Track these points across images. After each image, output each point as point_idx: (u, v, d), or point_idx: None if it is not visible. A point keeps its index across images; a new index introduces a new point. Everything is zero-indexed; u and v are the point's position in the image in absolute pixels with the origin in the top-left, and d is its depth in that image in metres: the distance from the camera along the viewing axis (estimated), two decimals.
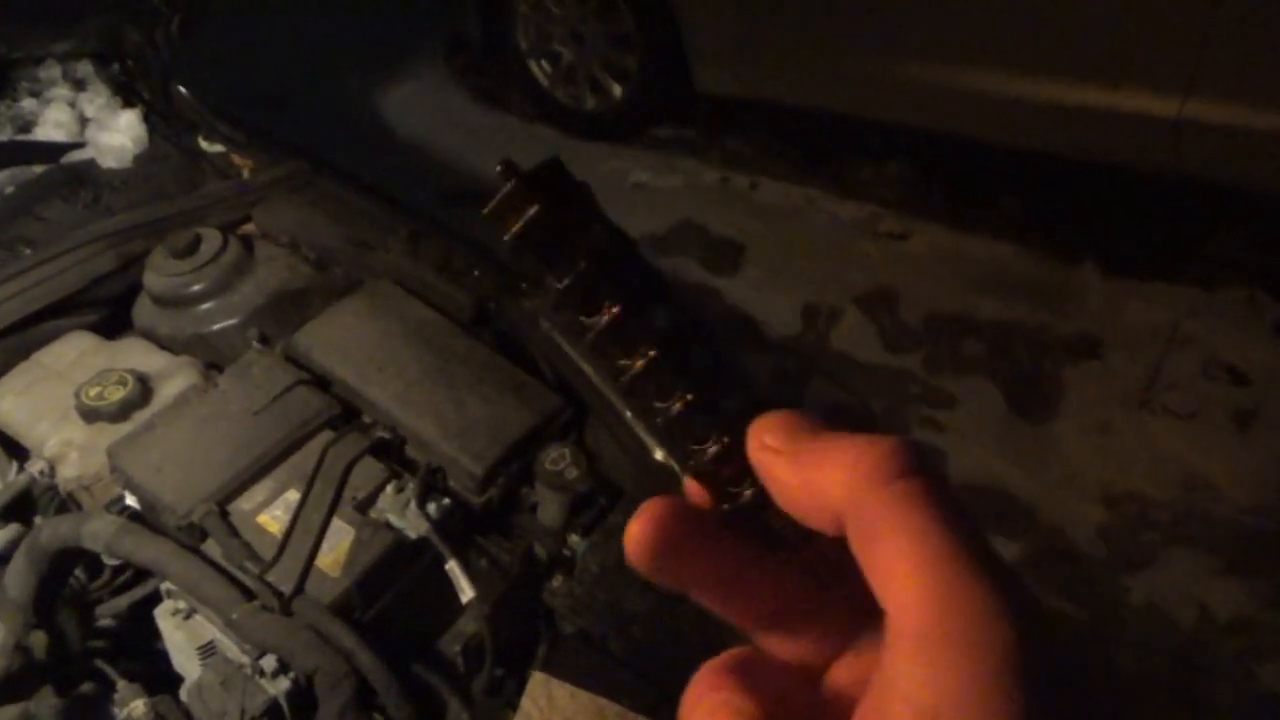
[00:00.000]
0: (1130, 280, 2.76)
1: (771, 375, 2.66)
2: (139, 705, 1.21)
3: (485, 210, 0.30)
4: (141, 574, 1.30)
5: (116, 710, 1.21)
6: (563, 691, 1.03)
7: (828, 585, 0.31)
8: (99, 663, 1.29)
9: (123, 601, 1.31)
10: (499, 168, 0.30)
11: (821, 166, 3.24)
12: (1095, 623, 2.03)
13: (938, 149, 3.06)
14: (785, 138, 3.33)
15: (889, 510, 0.27)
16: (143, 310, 1.43)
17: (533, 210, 0.29)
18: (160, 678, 1.27)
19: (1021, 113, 2.62)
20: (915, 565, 0.26)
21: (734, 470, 0.31)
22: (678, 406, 0.30)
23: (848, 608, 0.31)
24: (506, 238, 0.29)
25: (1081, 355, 2.63)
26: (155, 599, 1.28)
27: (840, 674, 0.32)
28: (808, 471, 0.28)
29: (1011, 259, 2.91)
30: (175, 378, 1.32)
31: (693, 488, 0.32)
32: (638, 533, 0.30)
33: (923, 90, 2.76)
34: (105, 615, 1.31)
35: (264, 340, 1.39)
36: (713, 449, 0.30)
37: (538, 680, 1.04)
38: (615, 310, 0.29)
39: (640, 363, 0.30)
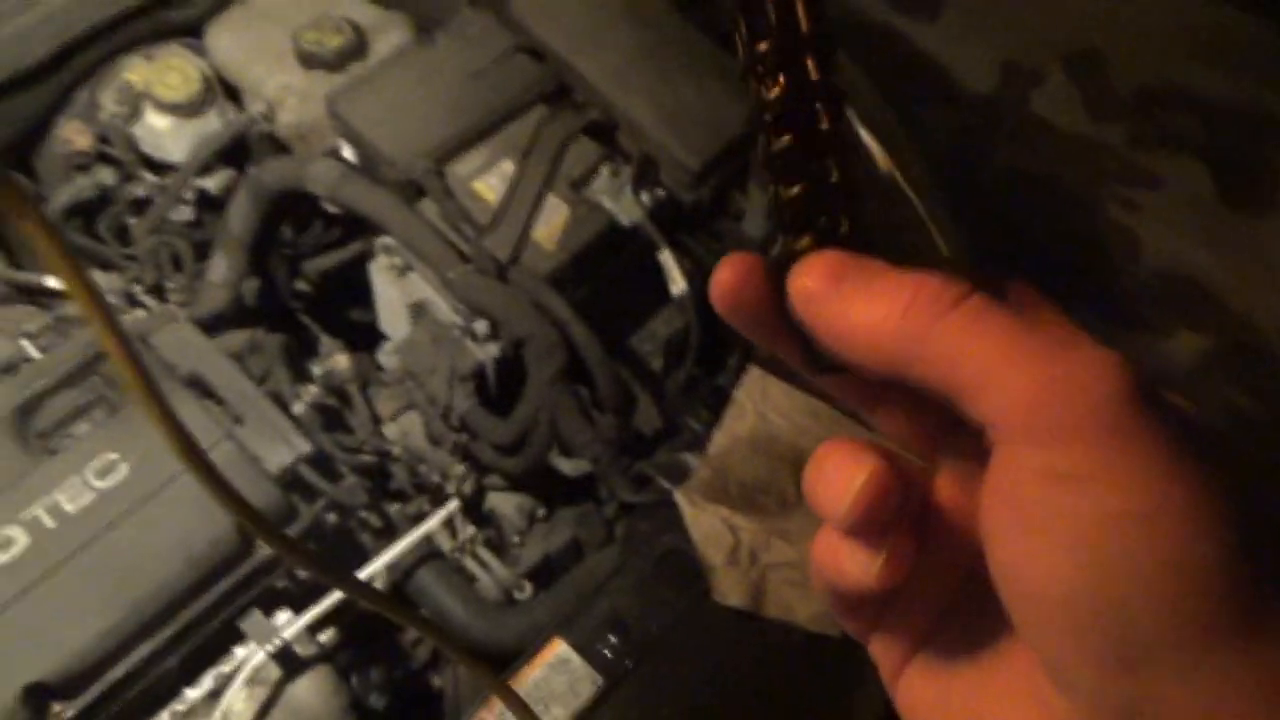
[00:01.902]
0: None
1: (956, 132, 2.49)
2: (342, 359, 1.25)
3: None
4: (349, 234, 1.31)
5: (316, 367, 1.26)
6: (778, 388, 1.01)
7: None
8: (304, 317, 1.34)
9: (328, 260, 1.33)
10: None
11: None
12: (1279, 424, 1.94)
13: None
14: None
15: (964, 329, 0.26)
16: None
17: None
18: (353, 345, 1.31)
19: None
20: (1010, 365, 0.25)
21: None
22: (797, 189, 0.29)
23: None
24: None
25: None
26: (357, 264, 1.30)
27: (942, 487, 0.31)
28: (856, 314, 0.27)
29: (1247, 30, 2.59)
30: (388, 33, 1.27)
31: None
32: (722, 280, 0.30)
33: None
34: (311, 271, 1.34)
35: (475, 3, 1.32)
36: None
37: (754, 375, 1.02)
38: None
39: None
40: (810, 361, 0.30)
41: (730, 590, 0.89)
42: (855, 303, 0.27)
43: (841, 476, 0.28)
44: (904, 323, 0.26)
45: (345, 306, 1.38)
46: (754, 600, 0.89)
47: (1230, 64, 2.72)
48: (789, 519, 0.91)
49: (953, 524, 0.30)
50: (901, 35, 2.93)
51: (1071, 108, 2.78)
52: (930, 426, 0.31)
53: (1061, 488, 0.24)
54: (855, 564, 0.28)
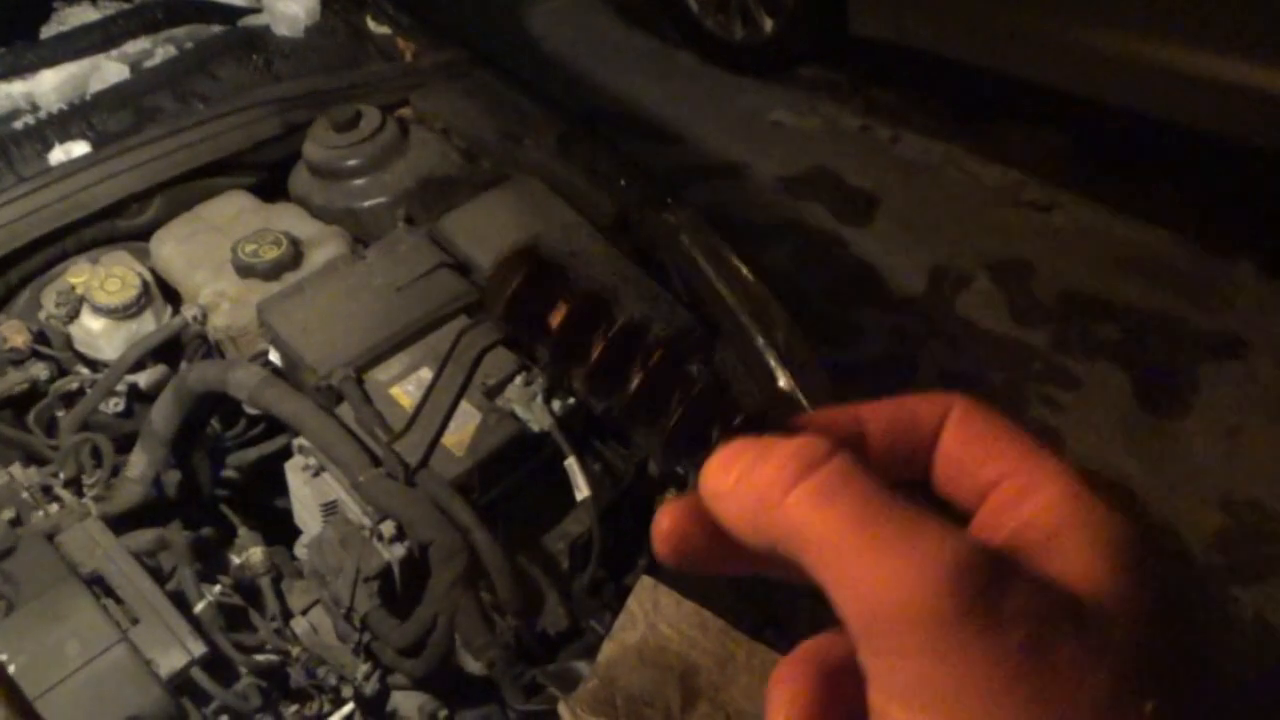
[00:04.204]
0: None
1: (890, 333, 2.61)
2: (257, 552, 1.27)
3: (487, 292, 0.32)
4: (272, 431, 1.35)
5: (234, 556, 1.27)
6: (669, 599, 1.03)
7: None
8: (223, 508, 1.36)
9: (251, 454, 1.37)
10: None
11: (969, 126, 3.12)
12: (1201, 628, 1.96)
13: (1094, 120, 2.91)
14: (934, 91, 3.21)
15: (811, 505, 0.25)
16: (299, 178, 1.46)
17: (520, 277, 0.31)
18: (274, 533, 1.33)
19: (1195, 89, 2.46)
20: (852, 558, 0.24)
21: None
22: (679, 412, 0.31)
23: None
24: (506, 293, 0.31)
25: (1222, 355, 2.50)
26: (281, 457, 1.33)
27: None
28: (740, 504, 0.27)
29: (1159, 244, 2.77)
30: (325, 245, 1.35)
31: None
32: (663, 528, 0.30)
33: (1088, 55, 2.61)
34: (233, 465, 1.37)
35: (410, 221, 1.41)
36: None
37: (646, 584, 1.05)
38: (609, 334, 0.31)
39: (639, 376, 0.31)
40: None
41: None
42: (738, 483, 0.27)
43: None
44: (762, 494, 0.26)
45: (270, 496, 1.40)
46: None
47: (1149, 276, 2.88)
48: None
49: None
50: (840, 240, 3.09)
51: (997, 311, 2.91)
52: None
53: (896, 709, 0.24)
54: None
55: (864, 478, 0.26)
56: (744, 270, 1.38)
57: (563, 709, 0.94)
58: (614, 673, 0.98)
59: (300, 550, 1.31)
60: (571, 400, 1.25)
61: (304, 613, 1.27)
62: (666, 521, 0.30)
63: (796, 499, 0.25)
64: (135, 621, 1.05)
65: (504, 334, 0.29)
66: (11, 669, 0.99)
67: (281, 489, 1.37)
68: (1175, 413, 2.40)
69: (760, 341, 1.30)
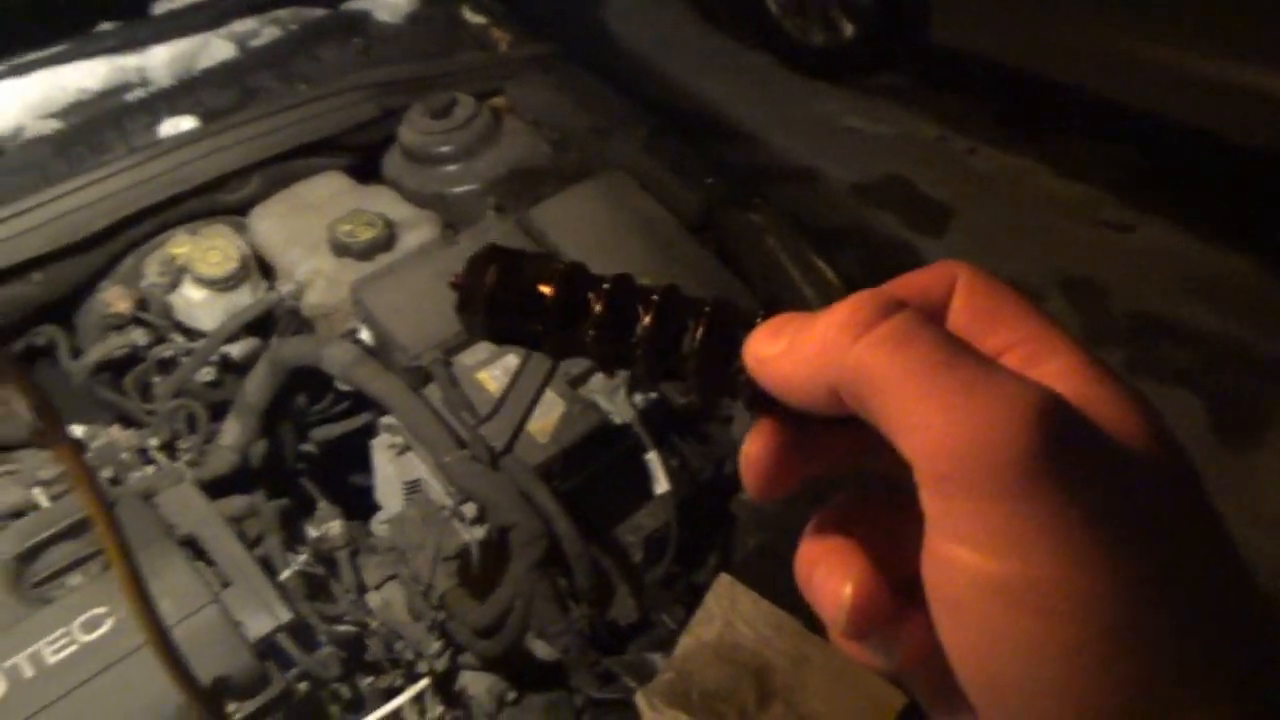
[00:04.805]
0: None
1: None
2: (336, 525, 1.30)
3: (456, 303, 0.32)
4: (357, 408, 1.38)
5: (311, 529, 1.30)
6: (747, 598, 1.04)
7: None
8: (305, 481, 1.39)
9: (334, 430, 1.40)
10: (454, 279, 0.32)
11: (1048, 140, 3.08)
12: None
13: (1174, 141, 2.85)
14: (1014, 104, 3.17)
15: (882, 350, 0.25)
16: (393, 162, 1.49)
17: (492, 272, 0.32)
18: (348, 510, 1.35)
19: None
20: (925, 401, 0.24)
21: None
22: (697, 342, 0.31)
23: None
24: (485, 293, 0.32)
25: None
26: (361, 435, 1.36)
27: None
28: (792, 351, 0.27)
29: (1237, 270, 2.71)
30: (418, 229, 1.38)
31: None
32: (751, 452, 0.30)
33: (1177, 75, 2.56)
34: (317, 440, 1.40)
35: (500, 210, 1.43)
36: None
37: (724, 582, 1.05)
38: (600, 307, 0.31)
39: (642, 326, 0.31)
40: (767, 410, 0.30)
41: None
42: (792, 342, 0.27)
43: (830, 587, 0.28)
44: (826, 344, 0.26)
45: (348, 471, 1.43)
46: None
47: (1225, 303, 2.82)
48: None
49: None
50: (911, 249, 3.07)
51: (1071, 330, 2.88)
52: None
53: (964, 553, 0.23)
54: (874, 659, 0.28)
55: (934, 325, 0.26)
56: (829, 273, 1.38)
57: (640, 699, 0.95)
58: (690, 667, 0.99)
59: (378, 527, 1.33)
60: (653, 395, 1.26)
61: (377, 587, 1.30)
62: (755, 447, 0.30)
63: (868, 343, 0.25)
64: (226, 584, 1.08)
65: (486, 334, 0.29)
66: (107, 624, 1.03)
67: (358, 466, 1.40)
68: (1249, 442, 2.35)
69: None
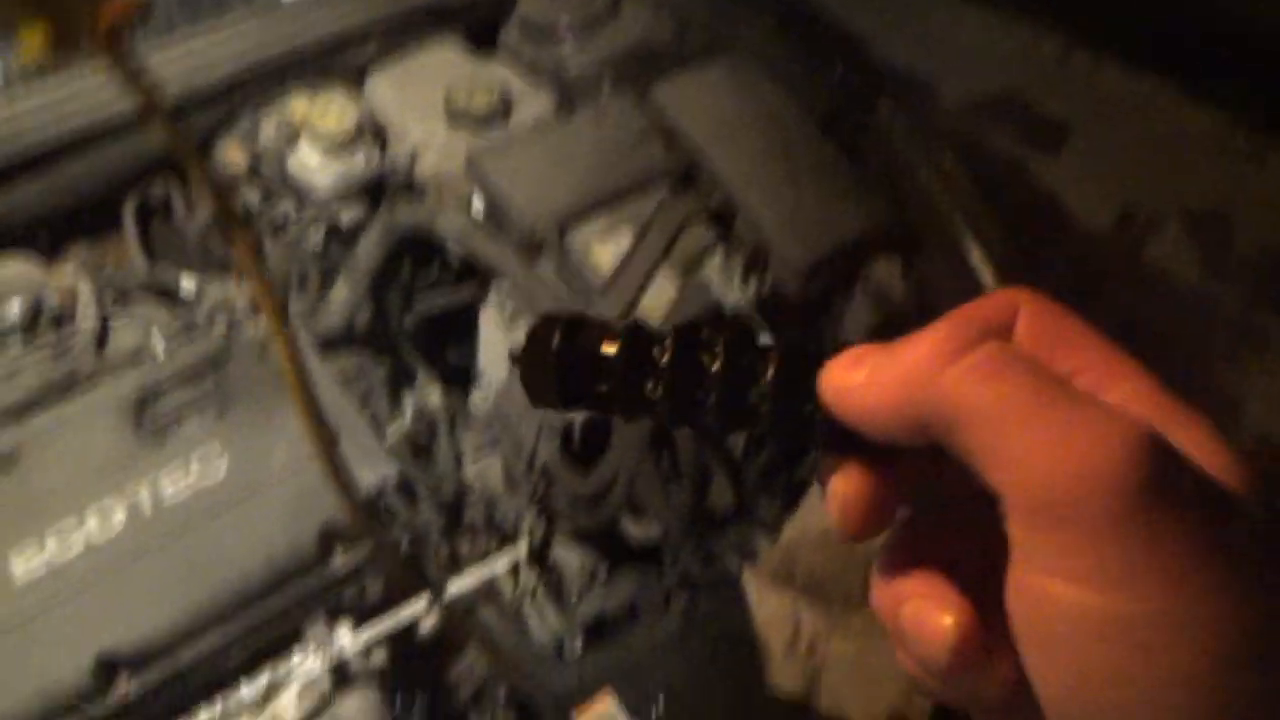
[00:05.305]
0: None
1: (1069, 269, 2.48)
2: (436, 394, 1.31)
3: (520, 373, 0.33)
4: (463, 279, 1.37)
5: (411, 398, 1.31)
6: None
7: None
8: (407, 348, 1.40)
9: (439, 299, 1.40)
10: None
11: (1180, 64, 2.90)
12: None
13: None
14: (1148, 21, 2.99)
15: (972, 379, 0.25)
16: (511, 35, 1.45)
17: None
18: (450, 382, 1.36)
19: None
20: (1020, 431, 0.24)
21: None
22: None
23: None
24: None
25: None
26: (467, 308, 1.36)
27: None
28: (875, 382, 0.27)
29: None
30: (534, 102, 1.35)
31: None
32: (845, 497, 0.29)
33: None
34: (422, 308, 1.40)
35: (618, 87, 1.39)
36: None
37: None
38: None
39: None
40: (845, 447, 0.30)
41: (785, 679, 0.89)
42: (874, 372, 0.27)
43: (929, 622, 0.27)
44: (913, 372, 0.26)
45: (446, 346, 1.44)
46: (807, 692, 0.88)
47: None
48: (852, 616, 0.91)
49: None
50: (1026, 169, 2.96)
51: (1189, 262, 2.75)
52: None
53: (1059, 586, 0.23)
54: (960, 698, 0.28)
55: (1024, 357, 0.25)
56: (959, 176, 1.32)
57: (749, 576, 0.94)
58: (798, 551, 0.98)
59: (477, 397, 1.34)
60: (767, 284, 1.23)
61: (473, 460, 1.30)
62: (846, 486, 0.29)
63: (959, 371, 0.25)
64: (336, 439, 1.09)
65: (556, 402, 0.28)
66: (224, 467, 1.05)
67: (456, 339, 1.40)
68: None
69: (972, 248, 1.24)
